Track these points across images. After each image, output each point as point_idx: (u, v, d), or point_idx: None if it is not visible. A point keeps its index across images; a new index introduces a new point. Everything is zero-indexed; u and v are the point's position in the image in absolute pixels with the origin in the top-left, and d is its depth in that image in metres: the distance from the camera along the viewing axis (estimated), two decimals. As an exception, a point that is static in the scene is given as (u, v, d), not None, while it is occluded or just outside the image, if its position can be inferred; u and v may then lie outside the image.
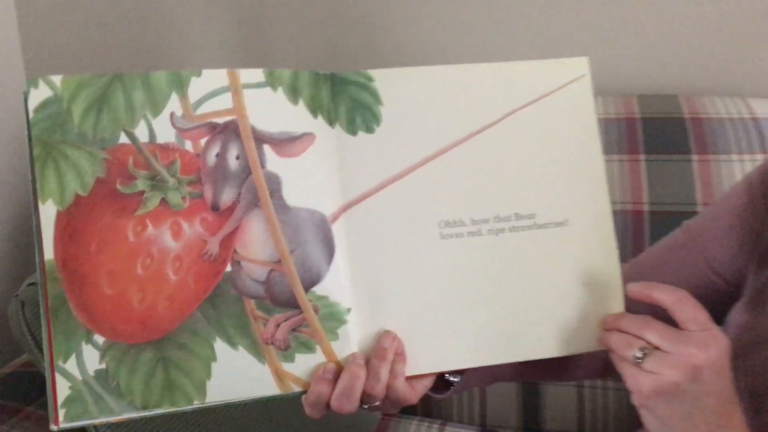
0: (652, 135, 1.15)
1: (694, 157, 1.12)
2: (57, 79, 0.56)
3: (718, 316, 0.72)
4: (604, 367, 0.71)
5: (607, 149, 1.14)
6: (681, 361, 0.54)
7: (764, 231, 0.70)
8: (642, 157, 1.13)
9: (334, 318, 0.60)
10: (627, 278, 0.63)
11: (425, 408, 1.25)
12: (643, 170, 1.13)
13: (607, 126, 1.17)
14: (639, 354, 0.56)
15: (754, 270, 0.71)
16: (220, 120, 0.58)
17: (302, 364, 0.59)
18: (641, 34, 1.30)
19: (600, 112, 1.18)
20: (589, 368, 0.76)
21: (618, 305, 0.62)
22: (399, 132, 0.62)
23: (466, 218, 0.62)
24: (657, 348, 0.56)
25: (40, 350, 0.84)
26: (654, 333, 0.56)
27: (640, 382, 0.56)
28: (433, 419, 1.22)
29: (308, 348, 0.59)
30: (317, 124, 0.61)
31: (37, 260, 0.56)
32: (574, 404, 1.17)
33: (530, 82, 0.64)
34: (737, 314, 0.71)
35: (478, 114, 0.63)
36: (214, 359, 0.58)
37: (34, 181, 0.56)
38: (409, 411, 1.25)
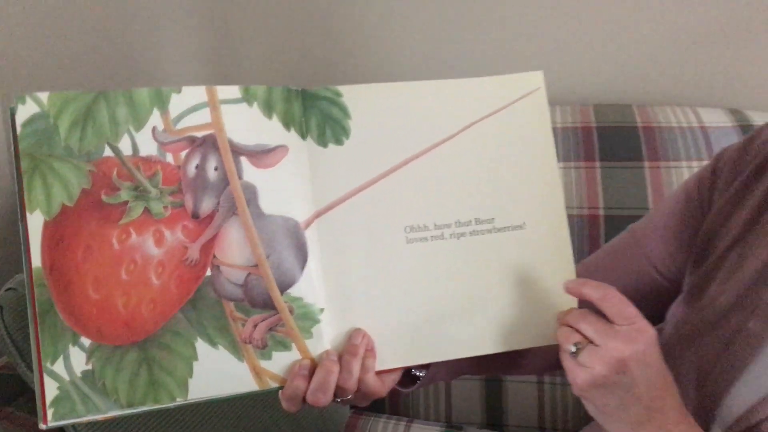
0: (607, 143, 1.19)
1: (646, 164, 1.16)
2: (44, 96, 0.58)
3: (662, 310, 0.77)
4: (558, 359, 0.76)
5: (565, 156, 1.19)
6: (608, 355, 0.57)
7: (699, 231, 0.75)
8: (598, 164, 1.18)
9: (308, 318, 0.63)
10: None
11: (393, 406, 1.28)
12: (599, 176, 1.17)
13: (564, 134, 1.21)
14: (573, 348, 0.59)
15: (691, 268, 0.75)
16: (200, 134, 0.61)
17: (279, 362, 0.62)
18: (598, 48, 1.35)
19: (558, 121, 1.23)
20: (548, 360, 0.80)
21: (572, 302, 0.66)
22: (366, 144, 0.65)
23: (430, 223, 0.65)
24: (591, 342, 0.58)
25: (20, 353, 0.85)
26: (588, 326, 0.59)
27: (575, 375, 0.59)
28: (400, 417, 1.25)
29: (284, 346, 0.62)
30: (290, 137, 0.64)
31: (24, 268, 0.58)
32: (534, 400, 1.21)
33: (489, 95, 0.67)
34: (676, 308, 0.75)
35: (439, 126, 0.66)
36: (196, 358, 0.61)
37: (20, 192, 0.58)
38: (377, 409, 1.28)
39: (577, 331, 0.60)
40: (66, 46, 1.19)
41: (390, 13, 1.43)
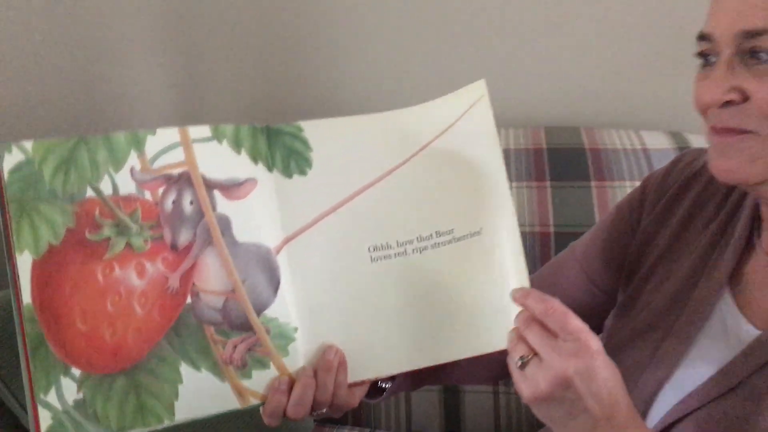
0: (557, 164, 1.25)
1: (593, 183, 1.22)
2: (28, 144, 0.61)
3: (601, 323, 0.81)
4: None
5: (518, 176, 1.24)
6: (552, 373, 0.57)
7: (629, 249, 0.80)
8: (548, 183, 1.23)
9: (283, 336, 0.67)
10: None
11: (355, 417, 1.31)
12: (549, 195, 1.22)
13: (517, 155, 1.27)
14: (518, 362, 0.59)
15: (623, 284, 0.80)
16: (175, 171, 0.65)
17: (259, 380, 0.66)
18: (548, 75, 1.43)
19: (511, 143, 1.28)
20: (504, 367, 0.84)
21: None
22: (328, 173, 0.69)
23: (392, 242, 0.69)
24: (537, 354, 0.58)
25: (3, 381, 0.87)
26: (534, 337, 0.59)
27: (521, 387, 0.59)
28: (362, 427, 1.28)
29: (263, 365, 0.66)
30: (258, 170, 0.68)
31: (13, 305, 0.61)
32: (490, 408, 1.25)
33: (437, 116, 0.71)
34: (608, 321, 0.80)
35: (394, 153, 0.70)
36: (181, 381, 0.64)
37: (8, 235, 0.61)
38: (340, 420, 1.30)
39: (524, 338, 0.60)
40: (34, 89, 1.23)
41: (347, 48, 1.50)
